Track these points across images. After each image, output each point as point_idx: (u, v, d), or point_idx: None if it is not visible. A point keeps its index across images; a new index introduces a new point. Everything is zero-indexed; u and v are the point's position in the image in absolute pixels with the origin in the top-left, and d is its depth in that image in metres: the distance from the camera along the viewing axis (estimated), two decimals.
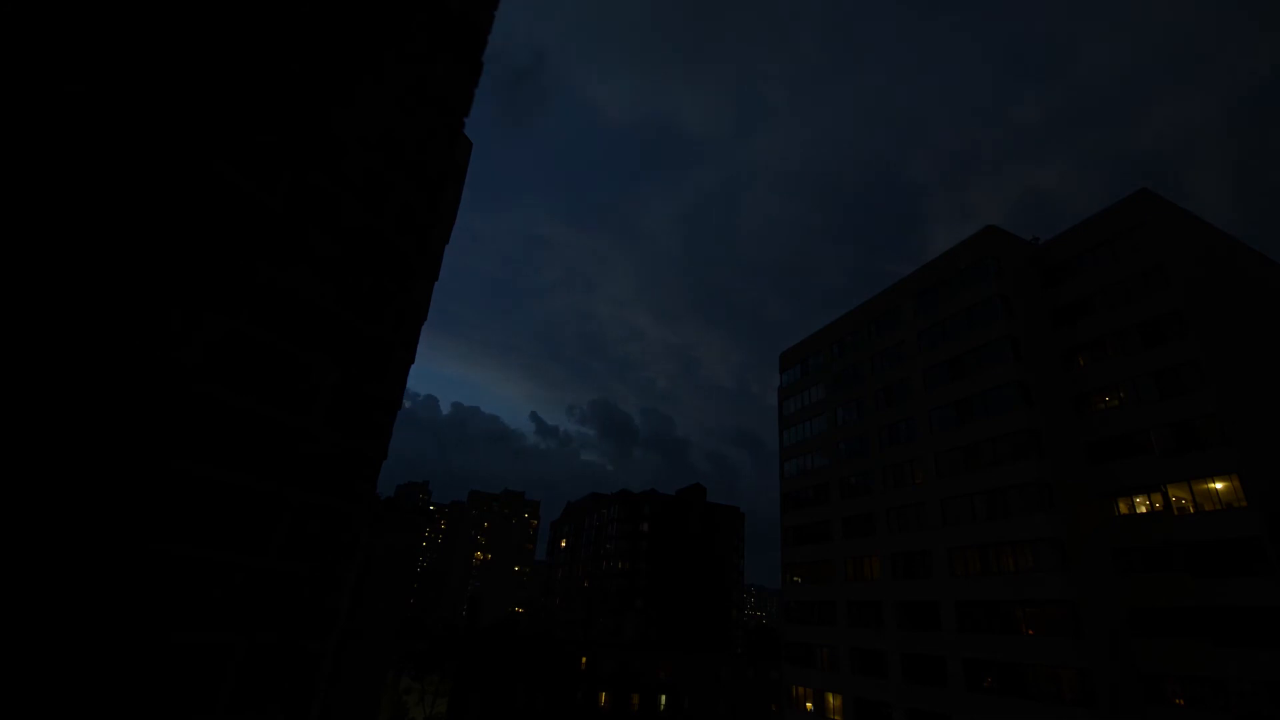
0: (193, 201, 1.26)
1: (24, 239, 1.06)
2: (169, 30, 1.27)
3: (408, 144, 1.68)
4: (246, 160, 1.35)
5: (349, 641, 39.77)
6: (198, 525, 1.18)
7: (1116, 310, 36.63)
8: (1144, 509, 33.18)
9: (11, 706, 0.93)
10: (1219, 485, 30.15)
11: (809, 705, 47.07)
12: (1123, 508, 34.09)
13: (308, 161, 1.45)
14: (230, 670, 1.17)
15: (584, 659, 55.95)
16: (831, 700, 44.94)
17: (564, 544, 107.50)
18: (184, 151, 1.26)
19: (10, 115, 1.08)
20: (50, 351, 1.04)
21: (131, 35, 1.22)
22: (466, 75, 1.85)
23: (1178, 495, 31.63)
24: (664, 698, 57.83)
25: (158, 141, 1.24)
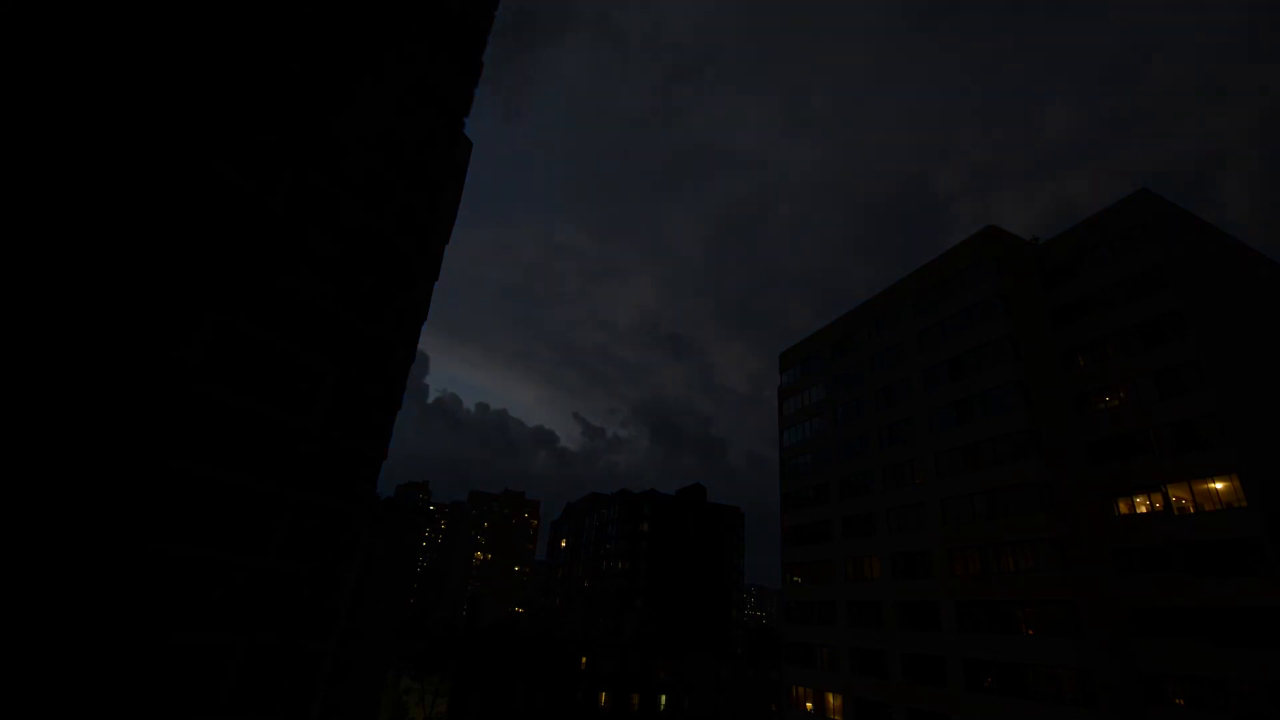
0: (192, 202, 1.26)
1: (24, 240, 1.06)
2: (169, 31, 1.27)
3: (408, 144, 1.68)
4: (246, 160, 1.35)
5: (349, 641, 39.76)
6: (198, 525, 1.17)
7: (1116, 310, 36.63)
8: (1144, 509, 33.18)
9: (13, 706, 0.93)
10: (1219, 485, 30.15)
11: (809, 705, 47.08)
12: (1123, 508, 34.09)
13: (308, 161, 1.45)
14: (230, 670, 1.17)
15: (584, 659, 55.95)
16: (831, 700, 44.94)
17: (564, 544, 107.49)
18: (184, 152, 1.26)
19: (11, 116, 1.09)
20: (50, 352, 1.04)
21: (132, 36, 1.22)
22: (466, 76, 1.85)
23: (1178, 495, 31.64)
24: (664, 698, 57.83)
25: (158, 142, 1.24)
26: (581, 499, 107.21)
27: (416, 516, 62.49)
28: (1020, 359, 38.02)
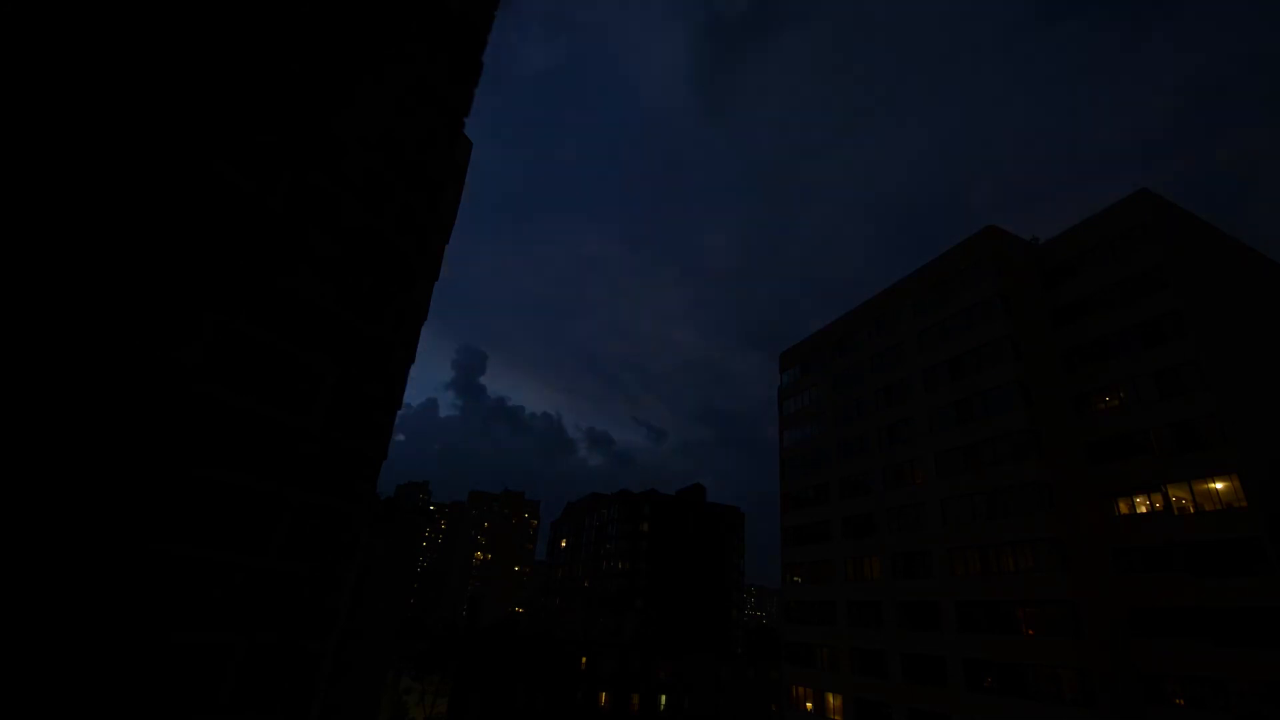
0: (193, 202, 1.26)
1: (26, 241, 1.06)
2: (169, 31, 1.27)
3: (407, 144, 1.68)
4: (246, 160, 1.36)
5: (349, 641, 39.76)
6: (198, 525, 1.18)
7: (1116, 310, 36.62)
8: (1144, 509, 33.18)
9: (13, 706, 0.94)
10: (1219, 485, 30.15)
11: (809, 705, 47.07)
12: (1123, 508, 34.08)
13: (308, 161, 1.45)
14: (230, 670, 1.17)
15: (584, 659, 55.94)
16: (831, 700, 44.94)
17: (564, 544, 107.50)
18: (184, 152, 1.26)
19: (12, 116, 1.09)
20: (50, 352, 1.05)
21: (132, 36, 1.22)
22: (466, 75, 1.86)
23: (1178, 495, 31.63)
24: (664, 698, 57.81)
25: (158, 142, 1.24)
26: (582, 499, 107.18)
27: (416, 516, 62.47)
28: (1020, 359, 38.02)
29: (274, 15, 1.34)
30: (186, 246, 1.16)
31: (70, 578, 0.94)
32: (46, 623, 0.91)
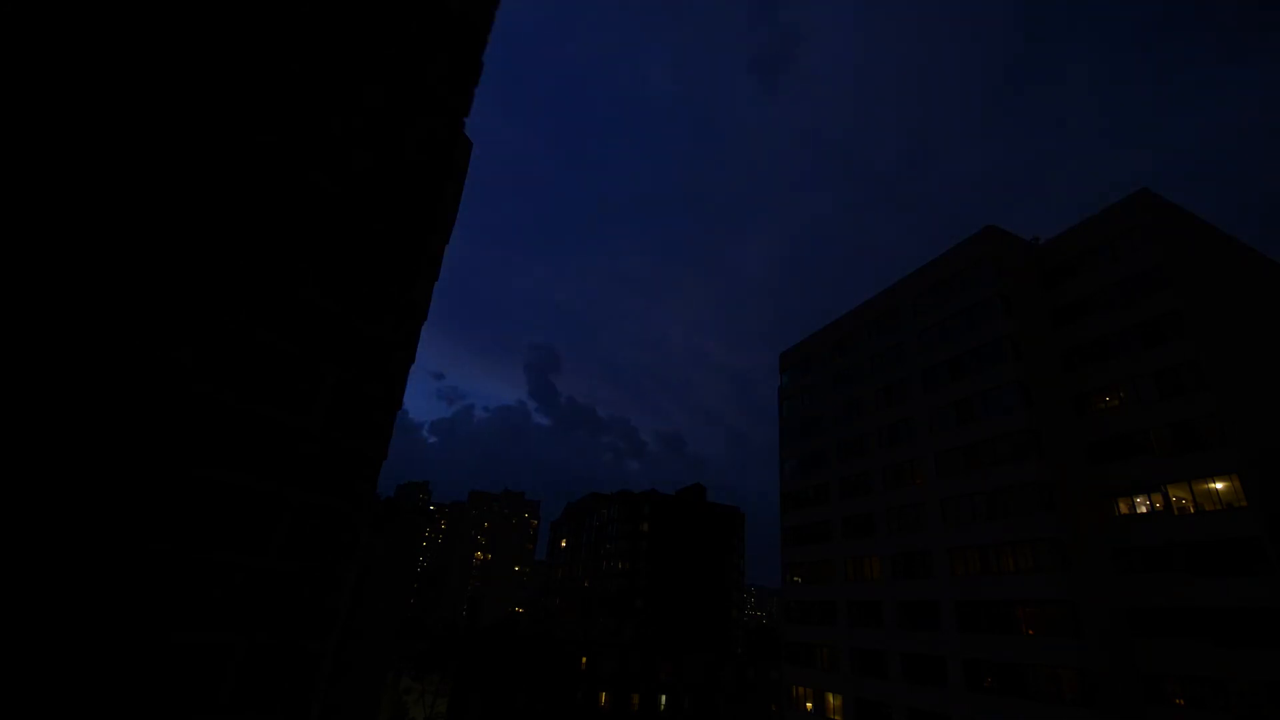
0: (192, 201, 1.26)
1: (26, 241, 1.06)
2: (168, 30, 1.27)
3: (408, 144, 1.68)
4: (247, 160, 1.36)
5: (349, 641, 39.77)
6: (198, 525, 1.18)
7: (1116, 311, 36.65)
8: (1144, 509, 33.20)
9: (11, 707, 0.93)
10: (1219, 485, 30.17)
11: (809, 705, 47.08)
12: (1123, 508, 34.10)
13: (308, 161, 1.45)
14: (230, 670, 1.17)
15: (584, 659, 55.95)
16: (831, 700, 44.95)
17: (564, 544, 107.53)
18: (185, 152, 1.26)
19: (11, 117, 1.09)
20: (49, 350, 1.05)
21: (130, 35, 1.22)
22: (466, 75, 1.86)
23: (1178, 495, 31.65)
24: (664, 698, 57.82)
25: (158, 142, 1.24)
26: (581, 499, 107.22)
27: (417, 516, 62.51)
28: (1020, 359, 38.04)
29: (274, 15, 1.34)
30: (186, 246, 1.16)
31: (71, 578, 0.94)
32: (47, 624, 0.91)
